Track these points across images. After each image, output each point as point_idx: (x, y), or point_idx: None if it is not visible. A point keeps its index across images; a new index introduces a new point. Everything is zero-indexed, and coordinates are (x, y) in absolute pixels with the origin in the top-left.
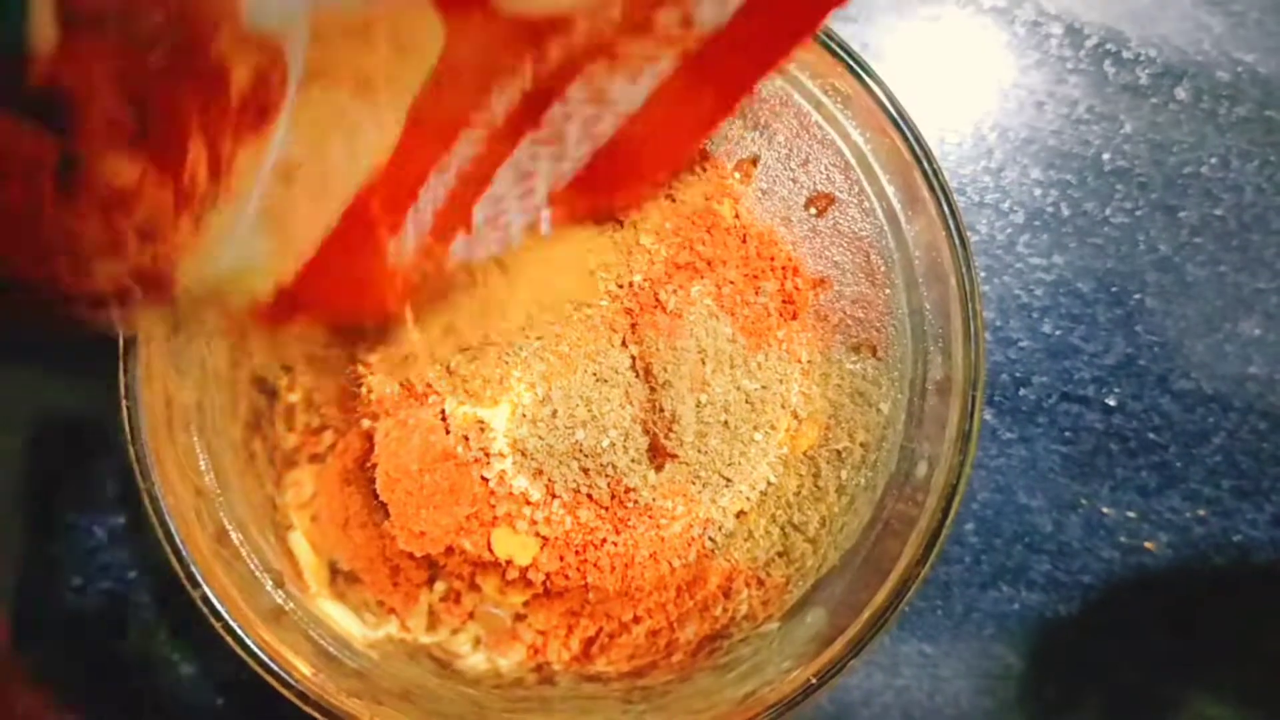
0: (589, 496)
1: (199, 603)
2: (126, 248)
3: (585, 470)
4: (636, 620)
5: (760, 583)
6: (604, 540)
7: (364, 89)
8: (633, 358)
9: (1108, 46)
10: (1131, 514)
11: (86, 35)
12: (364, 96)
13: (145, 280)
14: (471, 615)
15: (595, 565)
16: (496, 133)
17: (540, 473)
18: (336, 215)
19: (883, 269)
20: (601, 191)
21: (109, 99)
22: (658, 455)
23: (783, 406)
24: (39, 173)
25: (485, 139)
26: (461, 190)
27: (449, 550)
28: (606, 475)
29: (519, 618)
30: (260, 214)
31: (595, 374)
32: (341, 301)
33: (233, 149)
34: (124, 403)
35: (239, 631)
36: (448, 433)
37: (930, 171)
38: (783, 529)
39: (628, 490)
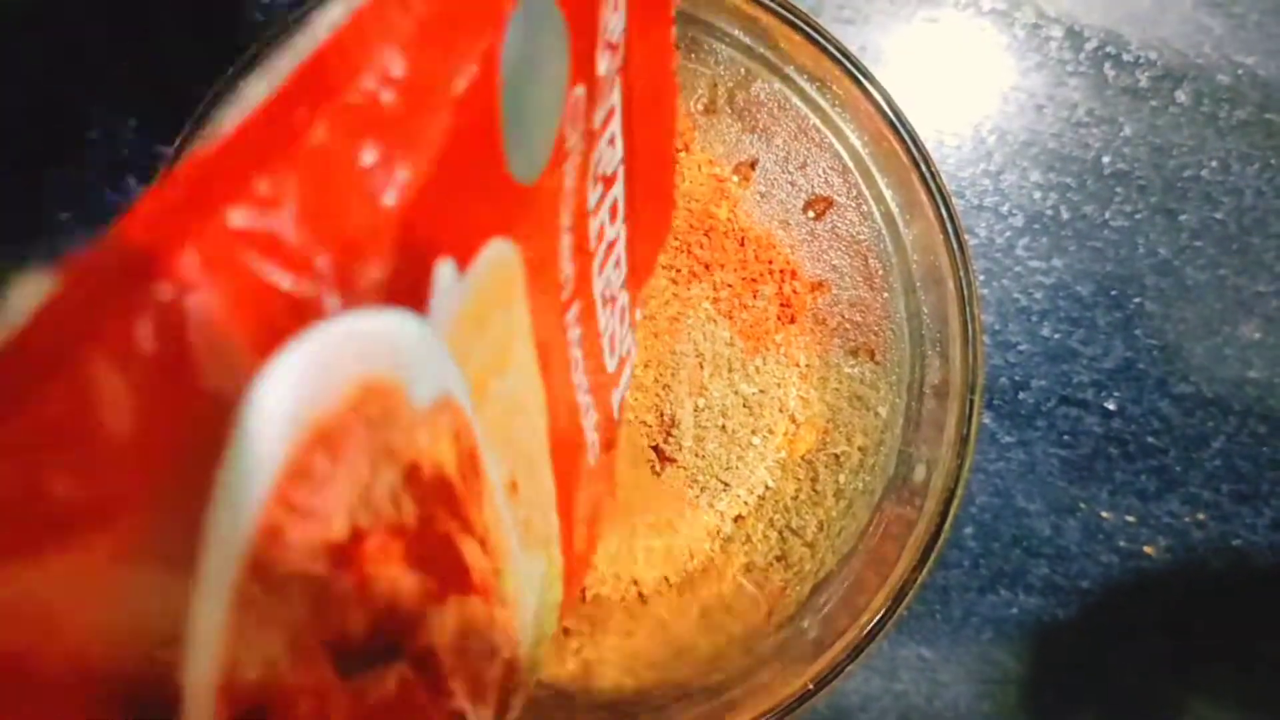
0: None
1: None
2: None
3: None
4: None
5: (758, 587)
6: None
7: (503, 363)
8: None
9: (1108, 49)
10: (1130, 518)
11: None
12: (506, 369)
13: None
14: None
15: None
16: (580, 293)
17: None
18: (553, 486)
19: (881, 273)
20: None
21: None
22: (657, 460)
23: (780, 411)
24: None
25: (579, 309)
26: (594, 358)
27: None
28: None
29: None
30: (521, 546)
31: None
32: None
33: (482, 523)
34: None
35: None
36: None
37: (929, 175)
38: (780, 533)
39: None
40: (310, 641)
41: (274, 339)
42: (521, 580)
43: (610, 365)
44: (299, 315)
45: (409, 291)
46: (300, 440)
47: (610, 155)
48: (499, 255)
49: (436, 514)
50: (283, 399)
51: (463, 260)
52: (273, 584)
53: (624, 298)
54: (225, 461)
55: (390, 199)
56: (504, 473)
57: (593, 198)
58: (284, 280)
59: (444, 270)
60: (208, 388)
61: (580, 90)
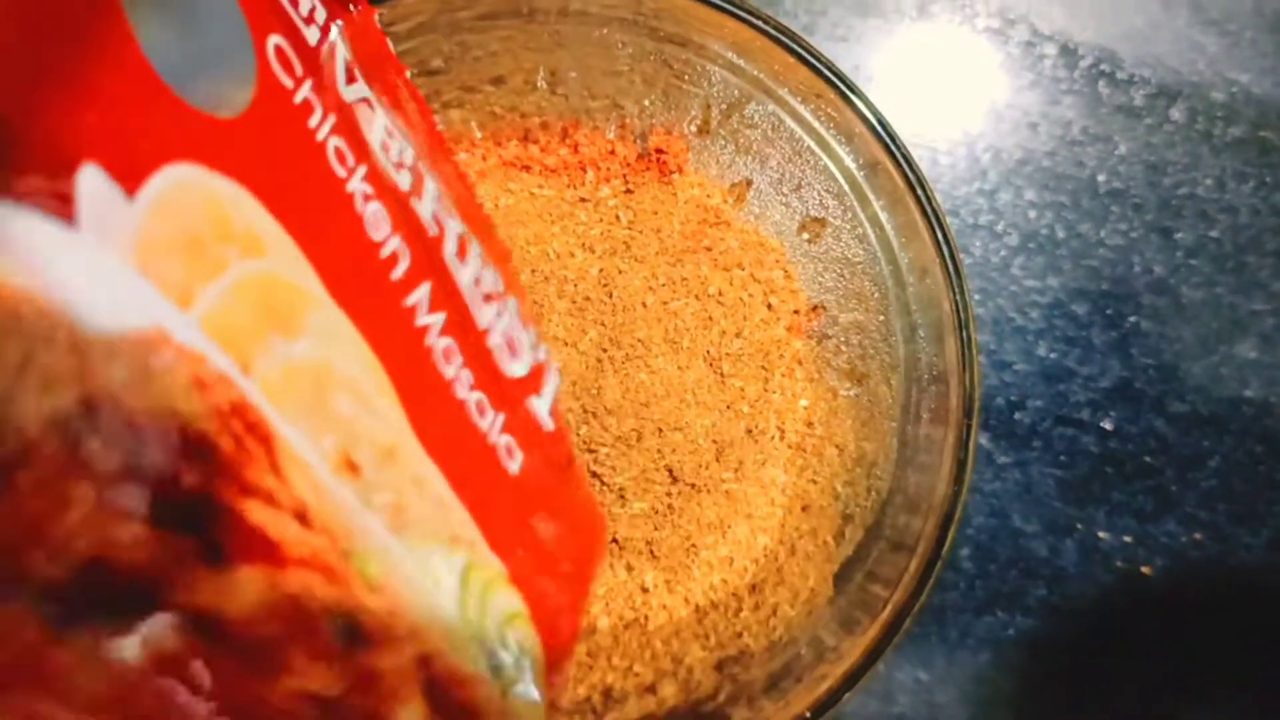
0: None
1: None
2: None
3: None
4: None
5: (755, 611)
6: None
7: (286, 324)
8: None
9: (1102, 67)
10: (1127, 538)
11: None
12: (293, 331)
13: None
14: None
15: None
16: (426, 274)
17: None
18: (441, 477)
19: (876, 295)
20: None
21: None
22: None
23: (777, 435)
24: None
25: (431, 292)
26: (479, 355)
27: None
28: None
29: None
30: (391, 532)
31: None
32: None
33: (290, 495)
34: None
35: None
36: None
37: (924, 197)
38: (778, 557)
39: None
40: (21, 563)
41: None
42: (411, 570)
43: (515, 369)
44: None
45: (39, 192)
46: None
47: (403, 146)
48: (191, 183)
49: (180, 470)
50: None
51: (127, 178)
52: None
53: (513, 301)
54: None
55: None
56: (329, 448)
57: (402, 181)
58: None
59: (90, 177)
60: None
61: (277, 39)
